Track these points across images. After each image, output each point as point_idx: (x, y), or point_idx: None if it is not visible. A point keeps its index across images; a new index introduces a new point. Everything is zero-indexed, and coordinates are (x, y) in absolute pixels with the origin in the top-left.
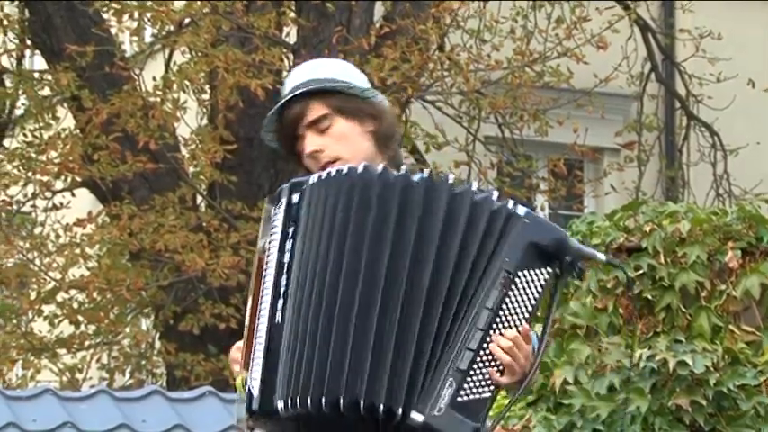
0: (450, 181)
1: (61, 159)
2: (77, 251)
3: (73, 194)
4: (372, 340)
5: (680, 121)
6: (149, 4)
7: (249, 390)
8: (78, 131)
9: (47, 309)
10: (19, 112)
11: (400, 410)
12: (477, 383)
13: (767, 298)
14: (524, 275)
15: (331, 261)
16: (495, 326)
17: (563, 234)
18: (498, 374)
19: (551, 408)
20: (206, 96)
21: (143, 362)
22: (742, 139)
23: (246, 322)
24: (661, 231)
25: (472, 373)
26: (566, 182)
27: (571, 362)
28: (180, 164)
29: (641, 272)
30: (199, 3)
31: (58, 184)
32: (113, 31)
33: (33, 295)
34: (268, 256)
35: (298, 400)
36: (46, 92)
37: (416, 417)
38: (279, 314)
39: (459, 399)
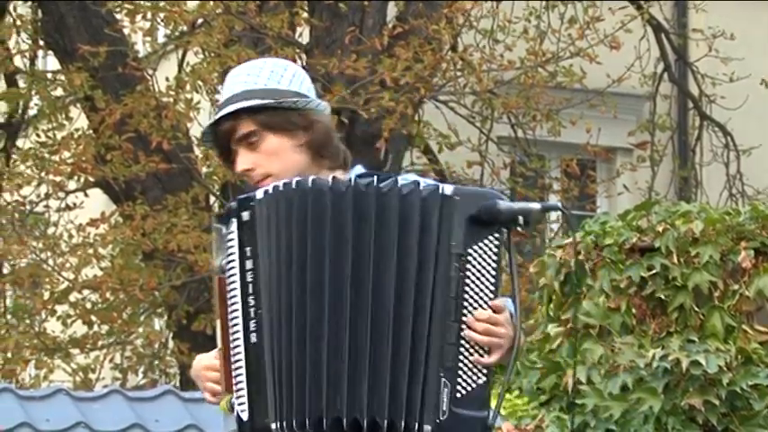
0: (401, 182)
1: (74, 159)
2: (90, 251)
3: (86, 194)
4: (350, 355)
5: (693, 121)
6: (162, 4)
7: (238, 414)
8: (91, 132)
9: (60, 309)
10: (32, 112)
11: (404, 424)
12: (470, 373)
13: None
14: (474, 251)
15: (294, 277)
16: (465, 311)
17: (491, 197)
18: (485, 356)
19: (564, 408)
20: (219, 96)
21: (156, 362)
22: (755, 138)
23: (219, 344)
24: (674, 231)
25: (461, 365)
26: (578, 182)
27: (584, 362)
28: (193, 164)
29: (654, 272)
30: (212, 3)
31: (71, 185)
32: (126, 31)
33: (46, 295)
34: (229, 276)
35: (294, 421)
36: (59, 92)
37: (425, 428)
38: (253, 335)
39: (459, 395)
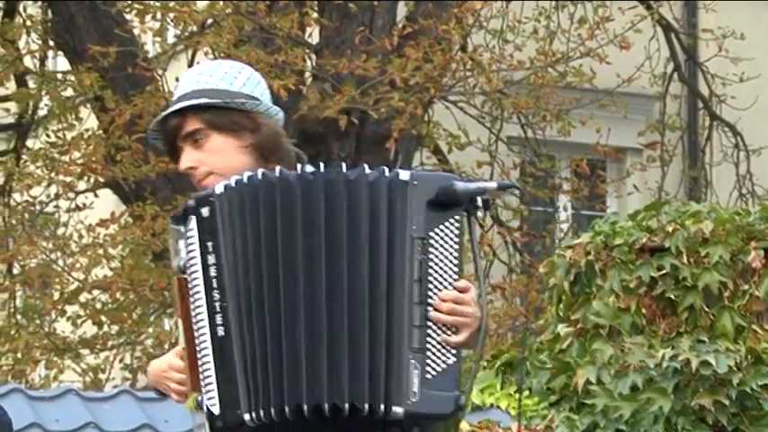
0: (366, 172)
1: (84, 160)
2: (100, 251)
3: (96, 195)
4: (328, 340)
5: (703, 121)
6: (172, 4)
7: (208, 409)
8: (101, 132)
9: (70, 309)
10: (42, 112)
11: (377, 407)
12: (439, 354)
13: None
14: (435, 234)
15: (265, 267)
16: (430, 293)
17: (447, 180)
18: (453, 336)
19: (574, 408)
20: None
21: None
22: (765, 138)
23: (181, 344)
24: (684, 231)
25: (429, 347)
26: (588, 182)
27: (594, 362)
28: None
29: (664, 272)
30: (221, 3)
31: (81, 185)
32: (136, 31)
33: (56, 296)
34: (191, 274)
35: (270, 411)
36: (69, 92)
37: (396, 410)
38: (220, 328)
39: (429, 376)
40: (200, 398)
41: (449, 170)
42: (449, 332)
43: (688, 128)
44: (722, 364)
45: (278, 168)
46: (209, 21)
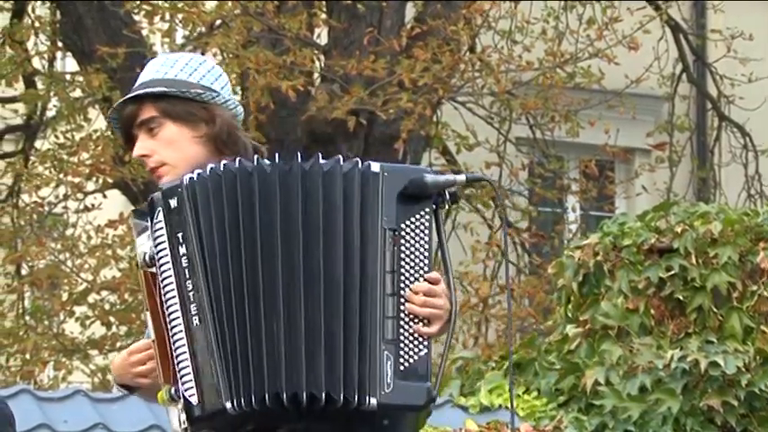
0: (341, 164)
1: (93, 161)
2: (109, 252)
3: (104, 196)
4: (306, 329)
5: (711, 122)
6: (181, 5)
7: (185, 399)
8: (110, 133)
9: (78, 310)
10: (51, 113)
11: (357, 397)
12: (411, 345)
13: None
14: (406, 225)
15: (244, 254)
16: (402, 285)
17: (418, 173)
18: (425, 327)
19: (583, 408)
20: (237, 98)
21: None
22: None
23: (152, 336)
24: (692, 232)
25: (402, 338)
26: (597, 183)
27: (602, 363)
28: None
29: (673, 272)
30: (230, 4)
31: (90, 186)
32: (144, 32)
33: (65, 296)
34: (161, 266)
35: (251, 398)
36: (77, 93)
37: (371, 401)
38: (195, 318)
39: (402, 367)
40: (173, 389)
41: (459, 166)
42: (421, 324)
43: (697, 128)
44: (731, 365)
45: (256, 157)
46: (218, 22)
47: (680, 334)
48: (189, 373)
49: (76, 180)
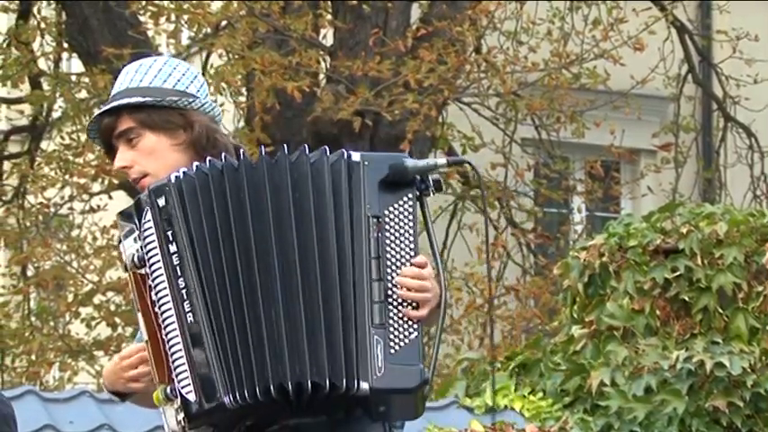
0: (328, 155)
1: (98, 162)
2: (114, 253)
3: (110, 197)
4: (303, 319)
5: (717, 123)
6: (186, 6)
7: (183, 396)
8: None
9: (84, 311)
10: (56, 114)
11: (347, 383)
12: (401, 329)
13: None
14: (389, 212)
15: (236, 250)
16: (388, 270)
17: (397, 159)
18: (415, 311)
19: (588, 409)
20: (243, 99)
21: None
22: None
23: (144, 337)
24: (698, 233)
25: (391, 322)
26: (602, 183)
27: (608, 363)
28: None
29: (678, 273)
30: (235, 5)
31: (96, 187)
32: (150, 33)
33: (70, 297)
34: (151, 266)
35: (245, 392)
36: (83, 94)
37: (363, 386)
38: (189, 315)
39: (392, 351)
40: (169, 388)
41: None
42: (409, 307)
43: (702, 129)
44: (736, 366)
45: (242, 155)
46: (224, 22)
47: (685, 335)
48: (185, 371)
49: (82, 181)
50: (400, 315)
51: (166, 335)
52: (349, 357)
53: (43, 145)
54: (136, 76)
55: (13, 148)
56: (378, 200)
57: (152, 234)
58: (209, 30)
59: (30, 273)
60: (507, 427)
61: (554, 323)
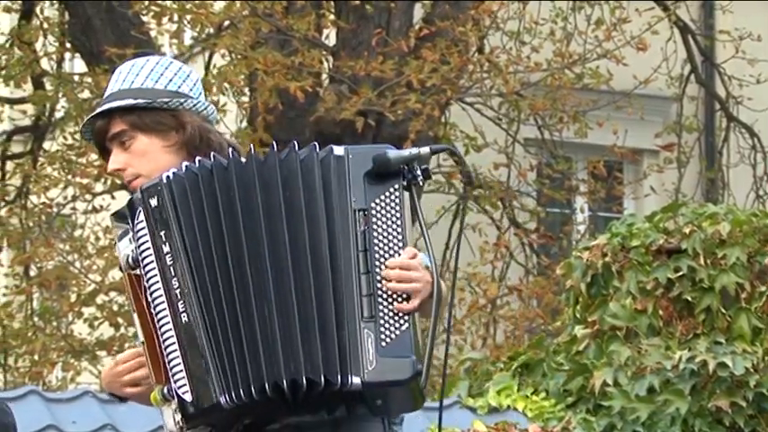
0: (317, 151)
1: (101, 162)
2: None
3: (113, 197)
4: (296, 316)
5: (720, 123)
6: (189, 6)
7: (179, 397)
8: None
9: (87, 311)
10: (59, 114)
11: (340, 378)
12: (391, 321)
13: None
14: (376, 204)
15: (228, 247)
16: (376, 262)
17: (379, 151)
18: (405, 303)
19: (591, 409)
20: (245, 99)
21: None
22: None
23: (141, 338)
24: (701, 233)
25: (381, 314)
26: (605, 183)
27: (611, 363)
28: None
29: (681, 273)
30: (238, 5)
31: (98, 187)
32: (153, 33)
33: (73, 297)
34: (145, 266)
35: (240, 391)
36: (86, 94)
37: (355, 380)
38: (184, 315)
39: (384, 344)
40: (165, 389)
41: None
42: (399, 299)
43: (705, 129)
44: (739, 366)
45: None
46: (226, 22)
47: (688, 335)
48: (181, 371)
49: (85, 181)
50: (390, 308)
51: (162, 335)
52: (342, 352)
53: (46, 145)
54: (128, 77)
55: (15, 148)
56: (364, 193)
57: (145, 235)
58: (211, 30)
59: (33, 273)
60: (510, 428)
61: (557, 323)
